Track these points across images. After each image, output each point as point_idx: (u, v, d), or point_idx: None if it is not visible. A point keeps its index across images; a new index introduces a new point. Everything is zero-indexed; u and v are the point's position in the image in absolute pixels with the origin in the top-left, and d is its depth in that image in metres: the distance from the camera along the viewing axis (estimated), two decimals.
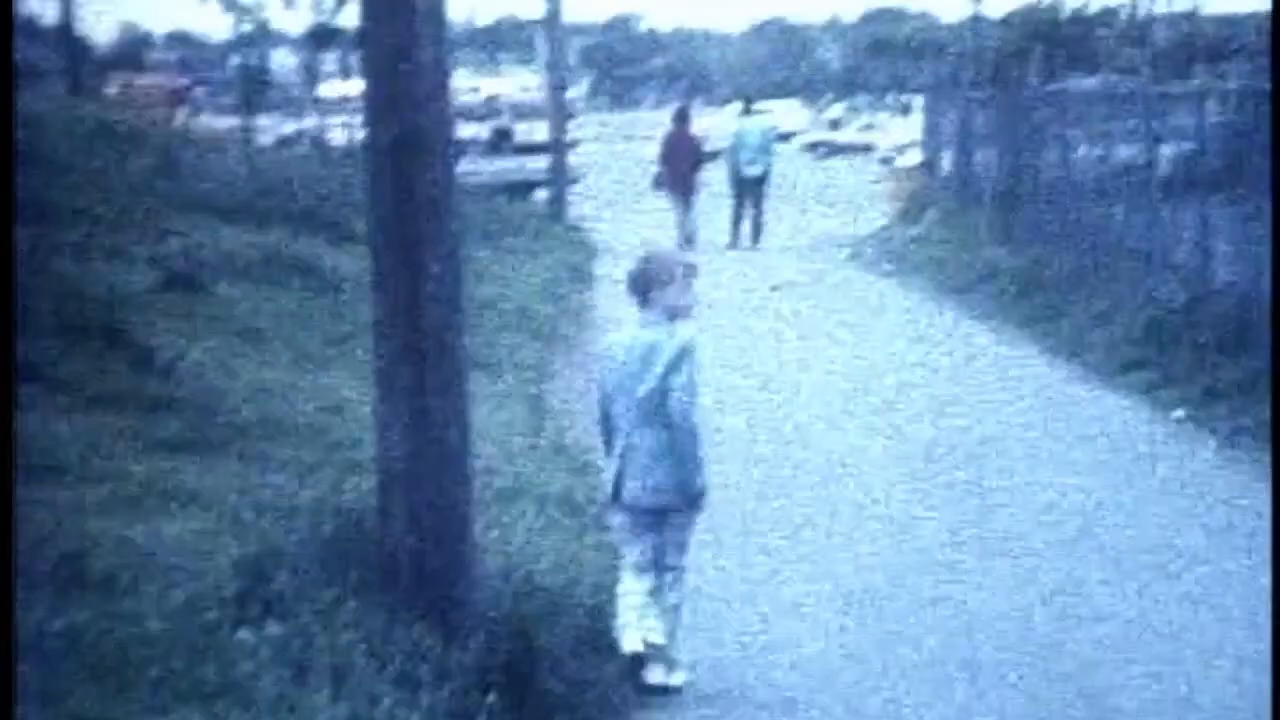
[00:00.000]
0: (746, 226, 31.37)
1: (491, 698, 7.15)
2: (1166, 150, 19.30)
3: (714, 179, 32.75)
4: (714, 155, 33.31)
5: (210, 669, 6.42)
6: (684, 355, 8.23)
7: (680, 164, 31.12)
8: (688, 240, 29.42)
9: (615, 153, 59.78)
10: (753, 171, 31.28)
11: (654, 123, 57.02)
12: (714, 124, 41.91)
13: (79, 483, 9.34)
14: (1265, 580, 9.63)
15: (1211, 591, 9.71)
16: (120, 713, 5.88)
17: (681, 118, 32.60)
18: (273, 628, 6.90)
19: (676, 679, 8.35)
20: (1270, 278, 14.47)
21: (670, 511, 8.32)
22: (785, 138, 76.94)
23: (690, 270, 8.41)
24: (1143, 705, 7.99)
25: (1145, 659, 8.60)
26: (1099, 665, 8.53)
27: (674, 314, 8.32)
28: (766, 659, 8.74)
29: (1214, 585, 9.82)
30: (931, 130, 36.60)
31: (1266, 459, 12.79)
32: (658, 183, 32.15)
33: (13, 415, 8.05)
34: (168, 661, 6.36)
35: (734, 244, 30.91)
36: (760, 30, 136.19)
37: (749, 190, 31.43)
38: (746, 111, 33.33)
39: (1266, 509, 11.36)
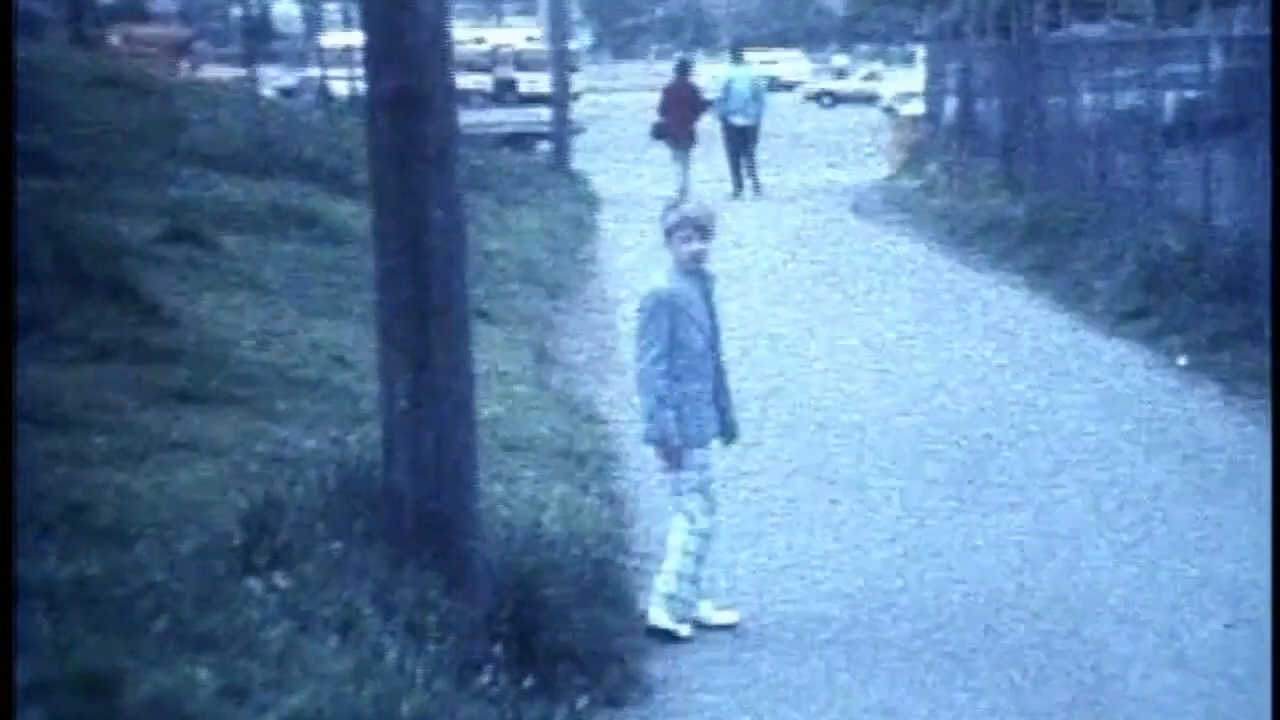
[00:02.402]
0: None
1: (497, 648, 7.18)
2: (1170, 97, 19.27)
3: (716, 129, 32.76)
4: (712, 104, 33.37)
5: (217, 619, 6.44)
6: (641, 307, 8.38)
7: (680, 114, 31.18)
8: (681, 191, 29.40)
9: (618, 104, 59.66)
10: (742, 121, 31.31)
11: (657, 73, 56.92)
12: (716, 74, 41.84)
13: (84, 434, 9.36)
14: (1265, 525, 9.66)
15: (1213, 536, 9.73)
16: (126, 663, 5.90)
17: (682, 69, 32.67)
18: (279, 578, 6.92)
19: (684, 630, 8.40)
20: (1270, 230, 14.45)
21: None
22: (789, 87, 76.94)
23: (691, 222, 8.42)
24: (1137, 653, 8.02)
25: (1145, 606, 8.63)
26: (1098, 611, 8.56)
27: (683, 264, 8.39)
28: (772, 604, 8.77)
29: (1216, 530, 9.85)
30: (934, 79, 36.53)
31: (1269, 404, 12.81)
32: (657, 132, 32.19)
33: (13, 365, 8.06)
34: (174, 612, 6.38)
35: (737, 193, 30.93)
36: None
37: (739, 139, 31.48)
38: (736, 61, 33.35)
39: (1268, 454, 11.39)
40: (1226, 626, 8.25)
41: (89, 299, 12.24)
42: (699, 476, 8.47)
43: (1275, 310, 13.48)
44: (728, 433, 8.66)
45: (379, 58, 7.56)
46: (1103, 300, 17.43)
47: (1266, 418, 12.61)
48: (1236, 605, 8.56)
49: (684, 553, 8.45)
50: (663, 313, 8.33)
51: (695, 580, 8.48)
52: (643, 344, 8.35)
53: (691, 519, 8.47)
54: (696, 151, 31.51)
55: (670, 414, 8.33)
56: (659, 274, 8.46)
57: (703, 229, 8.41)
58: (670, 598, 8.40)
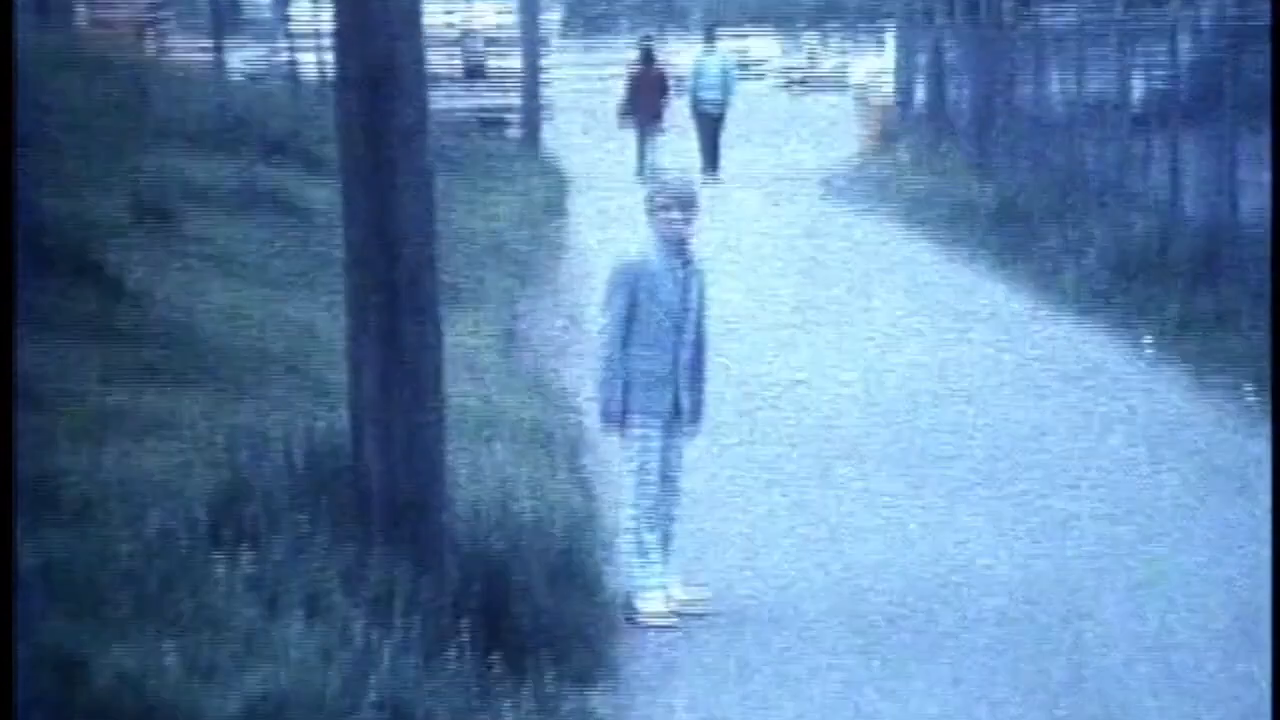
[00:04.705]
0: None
1: (465, 628, 7.16)
2: (1139, 82, 19.30)
3: (684, 112, 32.75)
4: (679, 88, 33.38)
5: (183, 599, 6.42)
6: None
7: (647, 98, 31.24)
8: (641, 173, 29.31)
9: (589, 84, 59.59)
10: (711, 105, 31.40)
11: (628, 54, 56.81)
12: (685, 56, 41.88)
13: (50, 412, 9.31)
14: (1231, 504, 9.70)
15: (1185, 517, 9.77)
16: (91, 642, 5.88)
17: (647, 53, 32.74)
18: (245, 558, 6.90)
19: (648, 600, 8.40)
20: (1270, 225, 14.44)
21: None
22: (759, 69, 76.84)
23: (670, 193, 8.42)
24: (1112, 637, 8.04)
25: (1116, 587, 8.65)
26: (1072, 594, 8.58)
27: (665, 240, 8.37)
28: (743, 586, 8.77)
29: (1185, 510, 9.88)
30: (904, 63, 36.54)
31: (1235, 387, 12.85)
32: (623, 114, 32.20)
33: (13, 352, 7.99)
34: (140, 591, 6.37)
35: (707, 178, 30.93)
36: None
37: (708, 123, 31.54)
38: (709, 44, 33.44)
39: (1236, 438, 11.44)
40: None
41: (53, 277, 12.17)
42: (639, 447, 8.40)
43: (1275, 304, 13.48)
44: (690, 418, 8.58)
45: (350, 37, 7.54)
46: (1072, 284, 17.44)
47: (1233, 399, 12.65)
48: (1209, 583, 8.58)
49: (623, 529, 8.46)
50: (621, 284, 8.35)
51: (645, 555, 8.39)
52: (602, 312, 8.44)
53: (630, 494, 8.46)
54: (660, 137, 31.51)
55: (615, 382, 8.34)
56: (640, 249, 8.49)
57: (684, 203, 8.39)
58: (633, 581, 8.42)
